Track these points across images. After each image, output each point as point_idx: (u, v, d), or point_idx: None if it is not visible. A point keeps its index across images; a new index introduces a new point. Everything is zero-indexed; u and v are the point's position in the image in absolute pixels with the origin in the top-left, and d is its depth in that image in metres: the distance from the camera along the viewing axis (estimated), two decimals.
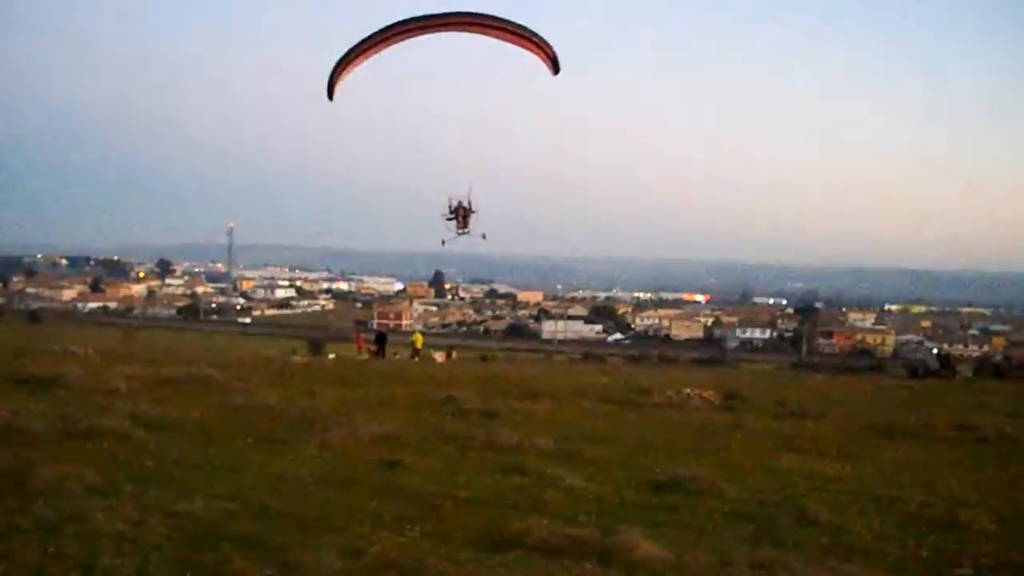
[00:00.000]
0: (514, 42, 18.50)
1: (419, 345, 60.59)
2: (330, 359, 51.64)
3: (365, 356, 56.07)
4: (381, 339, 59.10)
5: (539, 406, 26.12)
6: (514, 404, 25.48)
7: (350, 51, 18.41)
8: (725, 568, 10.49)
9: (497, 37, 18.50)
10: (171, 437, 16.90)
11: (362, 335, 75.00)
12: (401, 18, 18.39)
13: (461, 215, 20.23)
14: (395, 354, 58.64)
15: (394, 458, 16.03)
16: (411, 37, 18.45)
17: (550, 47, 18.48)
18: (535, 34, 18.39)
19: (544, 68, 18.98)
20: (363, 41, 18.32)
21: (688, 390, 31.53)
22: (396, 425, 19.73)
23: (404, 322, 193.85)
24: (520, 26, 18.30)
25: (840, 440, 22.10)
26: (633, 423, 23.82)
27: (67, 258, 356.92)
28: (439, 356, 59.21)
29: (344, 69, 18.63)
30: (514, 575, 9.57)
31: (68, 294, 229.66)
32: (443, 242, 20.35)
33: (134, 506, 11.27)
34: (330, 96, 18.86)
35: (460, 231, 20.42)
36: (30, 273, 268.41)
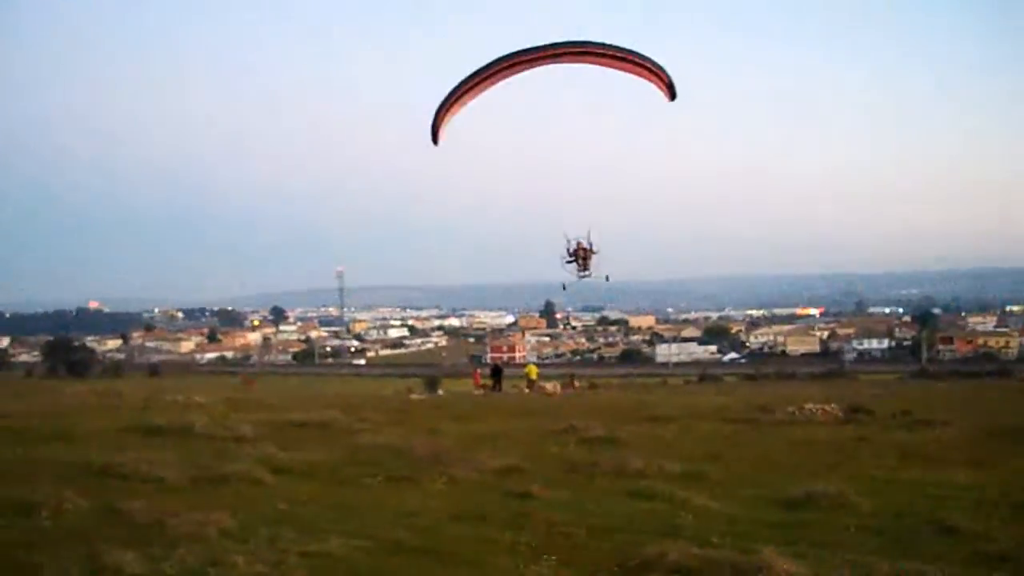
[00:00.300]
0: (627, 70, 17.66)
1: (533, 376, 60.68)
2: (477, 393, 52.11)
3: (481, 391, 56.27)
4: (497, 372, 59.26)
5: (660, 430, 25.98)
6: (635, 429, 25.42)
7: (453, 92, 17.65)
8: None
9: (608, 66, 17.70)
10: (300, 480, 17.19)
11: (478, 370, 75.39)
12: (505, 53, 17.54)
13: (581, 257, 19.92)
14: (514, 387, 58.83)
15: (522, 489, 16.05)
16: (517, 73, 17.63)
17: (666, 73, 17.64)
18: (649, 59, 17.52)
19: (659, 93, 18.07)
20: (466, 80, 17.58)
21: (810, 405, 31.18)
22: (519, 457, 19.76)
23: (518, 354, 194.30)
24: (634, 52, 17.46)
25: (968, 447, 21.73)
26: (756, 441, 23.72)
27: (183, 311, 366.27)
28: (549, 386, 58.98)
29: (448, 111, 17.84)
30: None
31: (186, 346, 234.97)
32: (564, 287, 20.07)
33: (270, 548, 11.45)
34: (435, 140, 18.08)
35: (581, 274, 20.10)
36: (148, 328, 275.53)
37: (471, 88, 17.69)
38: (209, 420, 25.40)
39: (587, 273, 20.62)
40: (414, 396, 47.72)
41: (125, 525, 12.68)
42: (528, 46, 17.42)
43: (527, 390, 56.31)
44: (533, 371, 63.22)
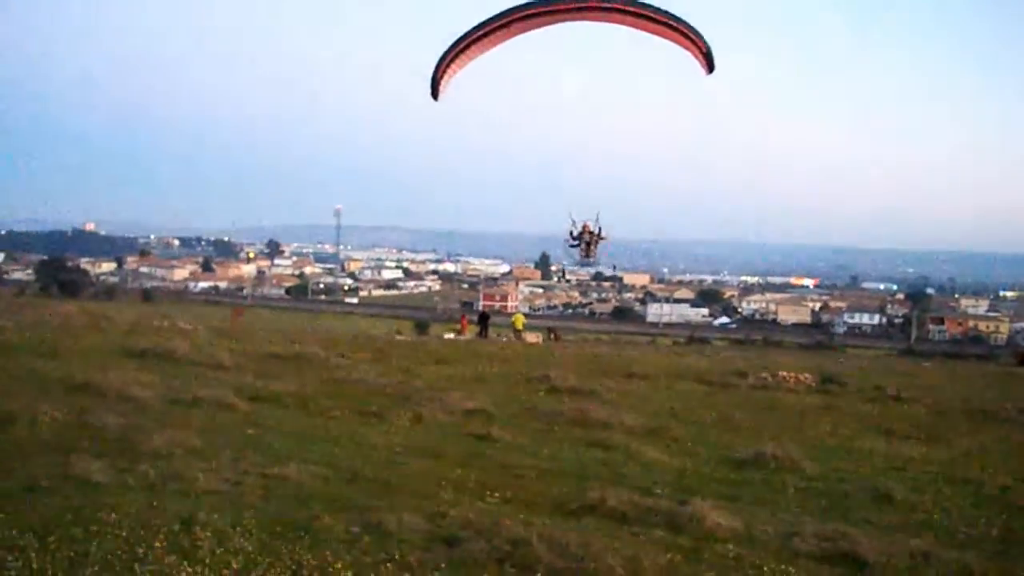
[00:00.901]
0: (659, 32, 15.67)
1: (520, 326, 61.05)
2: (448, 338, 52.49)
3: (469, 336, 56.64)
4: (484, 319, 59.57)
5: (633, 386, 26.44)
6: (609, 384, 25.77)
7: (456, 43, 15.92)
8: (791, 538, 10.84)
9: (637, 27, 15.71)
10: (271, 408, 17.72)
11: (466, 316, 75.75)
12: (517, 3, 15.59)
13: (586, 241, 19.48)
14: (498, 335, 59.19)
15: (483, 431, 16.56)
16: (531, 29, 15.93)
17: (703, 40, 15.56)
18: (686, 23, 15.47)
19: (693, 62, 16.03)
20: (472, 31, 15.82)
21: (784, 373, 31.52)
22: (489, 401, 20.22)
23: (510, 304, 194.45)
24: (669, 14, 15.35)
25: (930, 424, 22.14)
26: (724, 403, 24.05)
27: (179, 239, 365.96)
28: (531, 337, 59.35)
29: (450, 64, 16.08)
30: (585, 538, 9.98)
31: (180, 274, 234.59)
32: (563, 274, 19.45)
33: (232, 469, 12.00)
34: (434, 95, 16.27)
35: (584, 259, 19.71)
36: (143, 253, 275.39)
37: (477, 40, 15.98)
38: (191, 347, 25.82)
39: (590, 260, 20.40)
40: (399, 337, 48.21)
41: (97, 439, 13.23)
42: None
43: (513, 339, 56.73)
44: (520, 320, 63.47)
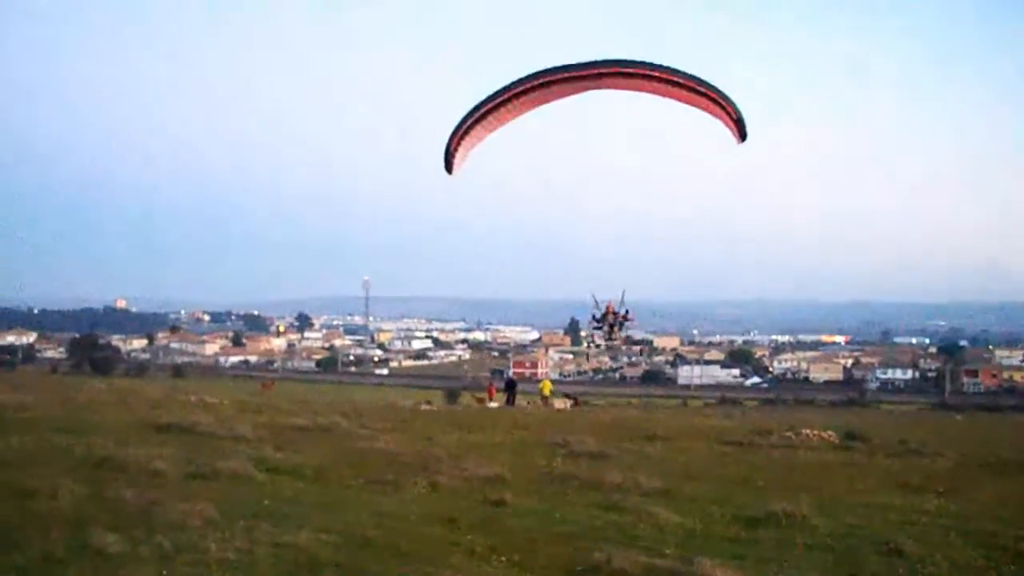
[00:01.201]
0: (685, 99, 15.11)
1: (547, 392, 61.29)
2: (489, 406, 52.87)
3: (496, 404, 56.83)
4: (511, 386, 59.83)
5: (651, 448, 26.58)
6: (627, 446, 25.99)
7: (471, 114, 15.21)
8: None
9: (662, 93, 15.15)
10: (289, 479, 17.95)
11: (493, 383, 75.94)
12: (535, 71, 15.01)
13: (609, 323, 19.08)
14: (527, 403, 59.37)
15: (497, 497, 16.74)
16: (550, 99, 15.41)
17: (734, 106, 14.89)
18: (714, 88, 14.88)
19: (723, 129, 15.37)
20: (488, 100, 15.19)
21: (807, 431, 31.61)
22: (505, 466, 20.37)
23: (539, 370, 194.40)
24: (695, 77, 14.77)
25: (950, 477, 22.12)
26: (744, 463, 24.14)
27: (209, 313, 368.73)
28: (558, 402, 59.71)
29: (466, 136, 15.31)
30: None
31: (211, 348, 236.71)
32: (587, 357, 19.19)
33: (245, 538, 12.26)
34: (448, 169, 15.45)
35: (607, 342, 19.20)
36: (174, 329, 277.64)
37: (495, 110, 15.35)
38: (214, 420, 26.23)
39: (615, 342, 19.92)
40: (424, 407, 48.44)
41: (115, 512, 13.52)
42: (562, 64, 14.94)
43: (541, 405, 56.98)
44: (547, 387, 63.89)
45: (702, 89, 14.80)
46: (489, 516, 15.30)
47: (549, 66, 14.94)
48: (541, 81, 14.88)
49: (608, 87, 15.32)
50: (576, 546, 13.22)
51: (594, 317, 19.01)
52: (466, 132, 15.33)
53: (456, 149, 15.43)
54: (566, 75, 14.86)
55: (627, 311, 18.34)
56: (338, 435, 25.72)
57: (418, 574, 10.91)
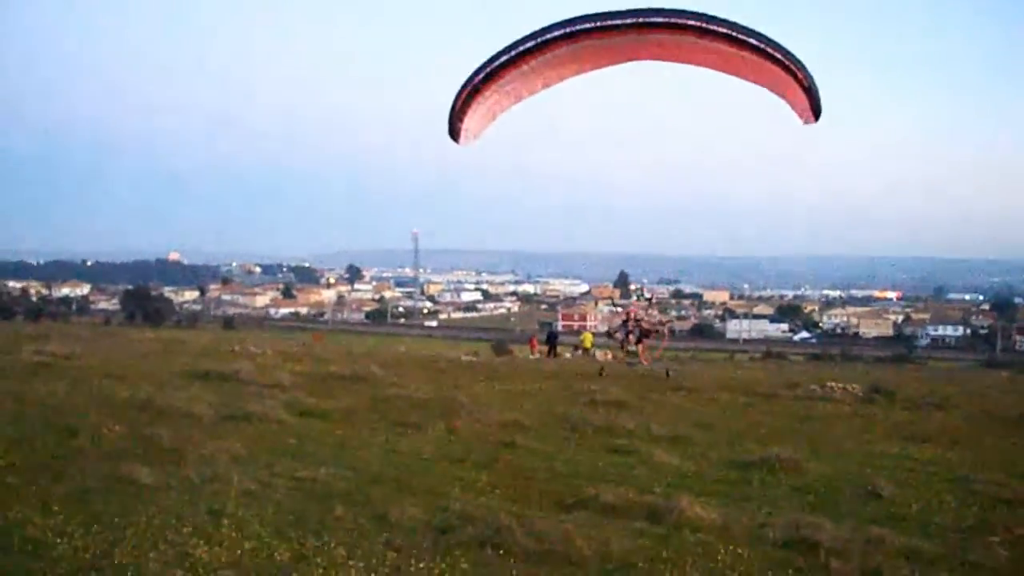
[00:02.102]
0: (744, 70, 11.97)
1: (588, 345, 62.02)
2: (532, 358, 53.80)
3: (537, 356, 57.63)
4: (552, 339, 60.56)
5: (677, 399, 27.27)
6: (654, 397, 26.57)
7: (475, 77, 12.07)
8: (762, 529, 11.93)
9: (711, 63, 12.14)
10: (317, 422, 19.01)
11: (535, 336, 76.72)
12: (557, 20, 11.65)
13: (629, 330, 17.37)
14: (567, 354, 60.20)
15: (510, 440, 17.71)
16: (581, 68, 12.47)
17: (810, 78, 11.44)
18: (790, 56, 11.32)
19: (788, 104, 12.17)
20: (499, 58, 11.88)
21: (831, 383, 32.19)
22: (525, 414, 21.37)
23: (588, 323, 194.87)
24: (767, 40, 11.22)
25: (958, 430, 22.71)
26: (760, 413, 24.81)
27: (261, 265, 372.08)
28: (599, 354, 60.38)
29: (471, 103, 12.32)
30: (565, 526, 11.17)
31: (261, 300, 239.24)
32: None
33: (267, 472, 13.35)
34: (454, 138, 12.60)
35: (630, 359, 17.30)
36: (225, 281, 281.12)
37: (506, 69, 11.92)
38: (254, 368, 27.29)
39: (635, 361, 19.03)
40: (466, 358, 49.23)
41: (150, 449, 14.67)
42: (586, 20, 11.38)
43: (582, 356, 57.73)
44: (588, 339, 64.56)
45: (778, 56, 11.26)
46: (496, 456, 16.24)
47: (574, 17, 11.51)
48: (572, 30, 11.36)
49: (648, 56, 12.25)
50: (572, 483, 14.18)
51: (610, 329, 18.61)
52: (471, 98, 12.27)
53: (462, 115, 12.40)
54: (602, 26, 11.33)
55: (652, 299, 17.80)
56: (371, 383, 26.57)
57: (419, 504, 11.90)
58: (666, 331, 22.63)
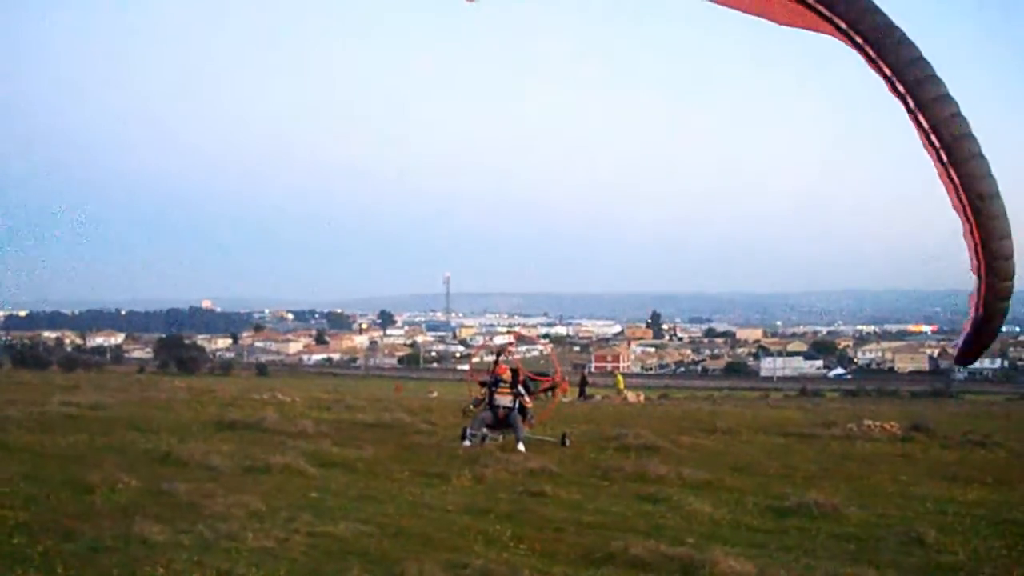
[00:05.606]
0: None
1: (621, 386, 62.02)
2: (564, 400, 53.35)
3: (570, 398, 57.38)
4: (582, 382, 60.70)
5: (709, 441, 26.82)
6: (685, 440, 26.08)
7: None
8: None
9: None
10: (340, 473, 18.53)
11: (566, 380, 76.37)
12: None
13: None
14: (601, 397, 60.09)
15: (538, 489, 17.20)
16: None
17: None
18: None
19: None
20: None
21: (869, 422, 31.67)
22: (554, 460, 20.86)
23: (622, 364, 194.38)
24: None
25: (1003, 468, 22.16)
26: (796, 454, 24.34)
27: (293, 312, 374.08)
28: (631, 396, 60.32)
29: None
30: None
31: (294, 347, 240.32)
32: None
33: (284, 528, 12.87)
34: None
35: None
36: (258, 328, 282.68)
37: None
38: (279, 417, 26.96)
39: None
40: None
41: (165, 504, 14.24)
42: None
43: (615, 399, 57.72)
44: (620, 381, 64.77)
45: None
46: (523, 507, 15.71)
47: None
48: None
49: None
50: (600, 535, 13.64)
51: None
52: None
53: None
54: None
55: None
56: (399, 430, 26.26)
57: (440, 561, 11.40)
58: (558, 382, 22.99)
